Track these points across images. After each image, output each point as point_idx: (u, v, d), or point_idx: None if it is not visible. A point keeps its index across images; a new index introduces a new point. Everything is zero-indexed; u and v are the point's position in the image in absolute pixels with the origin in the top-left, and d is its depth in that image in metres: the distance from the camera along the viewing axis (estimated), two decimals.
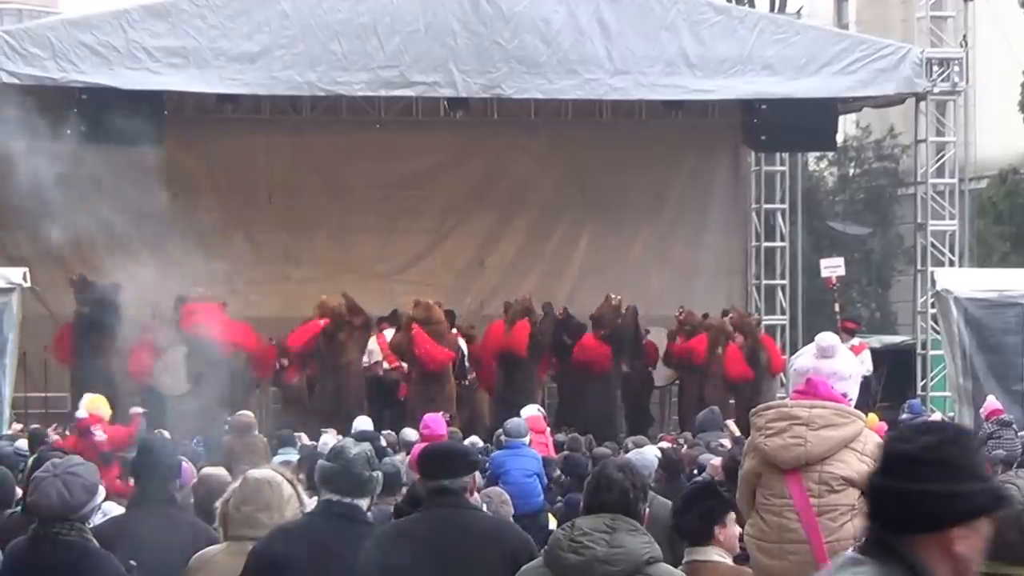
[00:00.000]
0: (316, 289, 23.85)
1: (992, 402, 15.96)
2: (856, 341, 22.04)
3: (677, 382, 24.66)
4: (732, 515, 6.76)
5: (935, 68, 23.99)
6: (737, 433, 15.15)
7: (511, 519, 9.22)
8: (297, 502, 6.34)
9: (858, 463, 6.30)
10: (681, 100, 24.40)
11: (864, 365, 20.08)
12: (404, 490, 10.51)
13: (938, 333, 22.86)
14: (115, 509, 8.23)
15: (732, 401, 22.71)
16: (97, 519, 6.89)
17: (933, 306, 22.79)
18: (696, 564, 6.67)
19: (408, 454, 13.82)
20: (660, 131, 26.61)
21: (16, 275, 19.53)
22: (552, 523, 12.47)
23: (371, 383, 22.53)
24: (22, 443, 14.47)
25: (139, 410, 16.69)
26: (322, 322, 22.23)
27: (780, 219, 27.55)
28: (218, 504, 6.46)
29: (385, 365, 22.81)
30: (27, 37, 21.38)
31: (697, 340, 23.48)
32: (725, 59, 22.93)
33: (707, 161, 27.65)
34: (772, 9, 29.82)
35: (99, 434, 14.23)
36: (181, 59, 21.66)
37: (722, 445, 14.48)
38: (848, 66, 23.31)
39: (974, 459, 3.31)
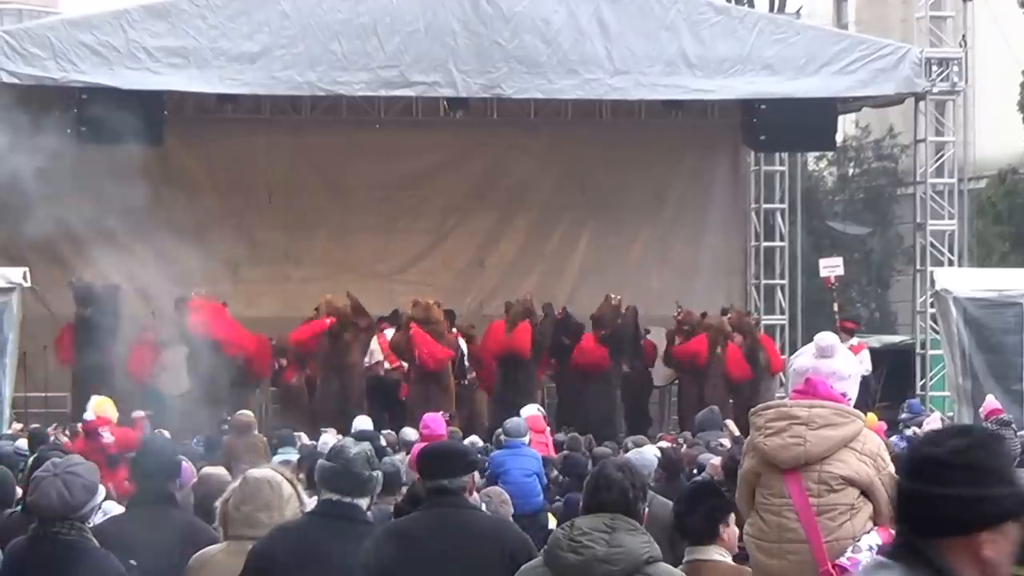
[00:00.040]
0: (316, 289, 23.85)
1: (991, 402, 15.95)
2: (855, 340, 22.04)
3: (676, 382, 24.66)
4: (732, 515, 6.78)
5: (934, 68, 24.00)
6: (736, 433, 15.16)
7: (511, 519, 9.23)
8: (297, 502, 6.34)
9: (857, 462, 6.31)
10: (681, 100, 24.41)
11: (863, 365, 20.09)
12: (404, 490, 10.52)
13: (937, 333, 22.87)
14: (115, 509, 8.24)
15: (731, 401, 22.71)
16: (97, 519, 6.89)
17: (932, 306, 22.80)
18: (698, 563, 6.67)
19: (408, 454, 13.83)
20: (660, 131, 26.61)
21: (16, 275, 19.55)
22: (552, 523, 12.47)
23: (372, 383, 22.52)
24: (22, 443, 14.48)
25: (142, 414, 16.69)
26: (328, 321, 22.20)
27: (780, 219, 27.55)
28: (218, 504, 6.46)
29: (387, 365, 22.83)
30: (27, 37, 21.39)
31: (697, 342, 23.45)
32: (725, 59, 22.94)
33: (707, 161, 27.66)
34: (772, 9, 29.85)
35: (107, 436, 14.22)
36: (181, 59, 21.67)
37: (722, 445, 14.48)
38: (847, 66, 23.33)
39: (1003, 463, 3.31)
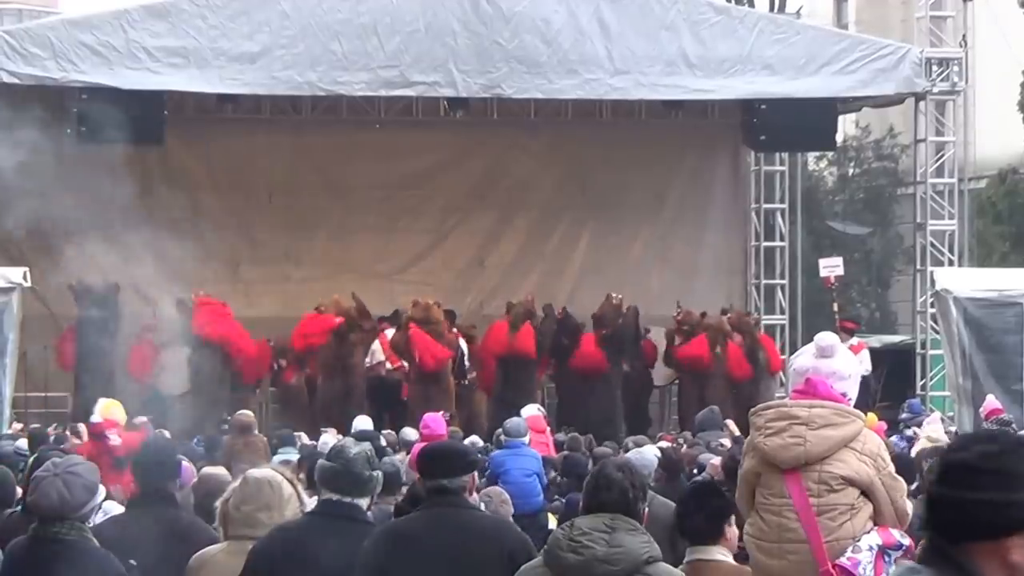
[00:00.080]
0: (316, 289, 23.86)
1: (992, 402, 16.00)
2: (855, 340, 22.04)
3: (676, 382, 24.66)
4: (733, 515, 6.79)
5: (934, 68, 24.00)
6: (737, 433, 15.17)
7: (511, 519, 9.23)
8: (297, 502, 6.34)
9: (857, 463, 6.31)
10: (681, 100, 24.42)
11: (863, 365, 20.09)
12: (404, 490, 10.52)
13: (937, 333, 22.88)
14: (115, 509, 8.24)
15: (731, 401, 22.69)
16: (97, 519, 6.89)
17: (932, 306, 22.80)
18: (699, 563, 6.67)
19: (408, 454, 13.83)
20: (660, 131, 26.62)
21: (16, 275, 19.54)
22: (552, 523, 12.48)
23: (373, 383, 22.51)
24: (22, 443, 14.48)
25: (144, 419, 16.66)
26: (336, 320, 22.17)
27: (780, 219, 27.56)
28: (218, 504, 6.46)
29: (388, 365, 22.82)
30: (27, 37, 21.40)
31: (698, 343, 23.43)
32: (725, 59, 22.95)
33: (707, 161, 27.66)
34: (772, 9, 29.86)
35: (114, 438, 14.20)
36: (181, 59, 21.67)
37: (722, 445, 14.50)
38: (848, 66, 23.33)
39: None
